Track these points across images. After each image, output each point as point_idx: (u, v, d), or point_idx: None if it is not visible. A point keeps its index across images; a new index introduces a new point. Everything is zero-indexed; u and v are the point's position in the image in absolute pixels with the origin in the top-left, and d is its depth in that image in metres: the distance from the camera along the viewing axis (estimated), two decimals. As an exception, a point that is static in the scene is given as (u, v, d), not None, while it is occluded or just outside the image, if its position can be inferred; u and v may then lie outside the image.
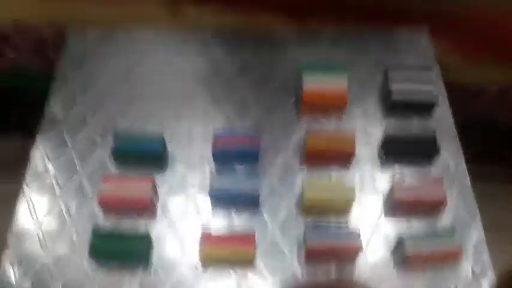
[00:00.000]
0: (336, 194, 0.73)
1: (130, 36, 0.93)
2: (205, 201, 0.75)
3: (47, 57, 1.03)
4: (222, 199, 0.74)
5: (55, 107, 0.84)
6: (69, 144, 0.80)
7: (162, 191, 0.76)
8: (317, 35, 0.94)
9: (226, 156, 0.77)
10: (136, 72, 0.88)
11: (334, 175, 0.78)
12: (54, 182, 0.76)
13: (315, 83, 0.82)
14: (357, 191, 0.74)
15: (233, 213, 0.75)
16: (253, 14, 0.94)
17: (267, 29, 0.95)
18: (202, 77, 0.88)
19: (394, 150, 0.80)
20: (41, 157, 0.78)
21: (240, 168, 0.77)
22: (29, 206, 0.74)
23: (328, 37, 0.94)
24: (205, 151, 0.78)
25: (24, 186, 0.76)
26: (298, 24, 0.97)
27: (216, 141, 0.77)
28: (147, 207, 0.73)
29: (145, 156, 0.76)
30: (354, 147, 0.77)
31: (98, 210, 0.73)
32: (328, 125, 0.83)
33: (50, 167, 0.78)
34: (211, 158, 0.77)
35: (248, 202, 0.74)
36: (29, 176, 0.77)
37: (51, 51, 1.02)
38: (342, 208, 0.74)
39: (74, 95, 0.85)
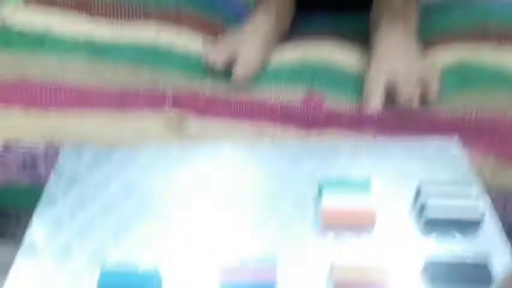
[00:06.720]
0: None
1: (129, 155, 0.85)
2: None
3: (38, 173, 0.95)
4: None
5: (36, 233, 0.73)
6: (48, 278, 0.67)
7: None
8: (336, 146, 0.86)
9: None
10: (134, 195, 0.79)
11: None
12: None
13: (336, 203, 0.72)
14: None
15: None
16: (264, 125, 0.87)
17: (281, 141, 0.87)
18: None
19: (438, 278, 0.67)
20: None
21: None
22: None
23: (347, 148, 0.85)
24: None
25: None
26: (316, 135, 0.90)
27: (224, 275, 0.64)
28: None
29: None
30: (385, 280, 0.64)
31: None
32: (354, 249, 0.71)
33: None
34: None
35: None
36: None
37: (43, 167, 0.94)
38: None
39: (60, 219, 0.75)
